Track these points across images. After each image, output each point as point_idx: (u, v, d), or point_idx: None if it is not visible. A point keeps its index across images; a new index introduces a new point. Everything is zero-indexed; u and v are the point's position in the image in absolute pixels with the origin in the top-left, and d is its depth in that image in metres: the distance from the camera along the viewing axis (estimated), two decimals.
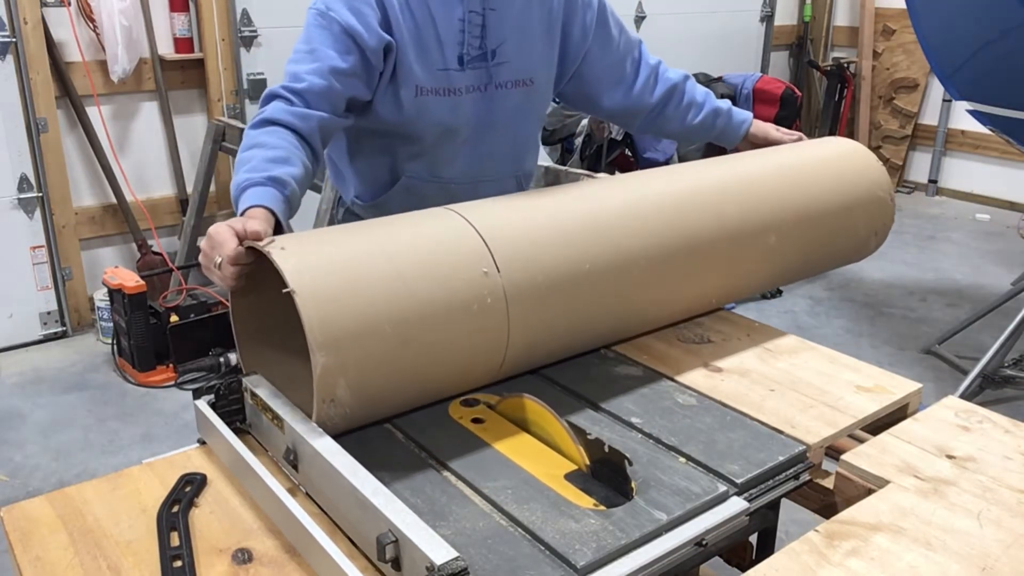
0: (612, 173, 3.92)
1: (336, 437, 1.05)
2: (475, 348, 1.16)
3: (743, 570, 1.14)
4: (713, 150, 4.22)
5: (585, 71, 1.65)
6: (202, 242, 1.16)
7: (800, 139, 1.75)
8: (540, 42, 1.56)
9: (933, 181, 5.76)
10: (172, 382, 3.21)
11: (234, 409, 1.20)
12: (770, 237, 1.47)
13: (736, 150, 1.79)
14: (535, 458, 1.11)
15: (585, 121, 3.90)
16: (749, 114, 1.77)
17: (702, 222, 1.38)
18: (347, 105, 1.43)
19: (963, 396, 2.90)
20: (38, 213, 3.49)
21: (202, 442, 1.20)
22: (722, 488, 1.04)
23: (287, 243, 1.07)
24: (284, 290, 1.00)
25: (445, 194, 1.50)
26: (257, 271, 1.13)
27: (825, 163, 1.62)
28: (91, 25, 3.44)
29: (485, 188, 1.57)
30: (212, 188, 3.71)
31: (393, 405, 1.15)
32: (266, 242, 1.07)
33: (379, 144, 1.57)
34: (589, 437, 1.12)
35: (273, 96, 1.39)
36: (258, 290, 1.19)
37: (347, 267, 1.06)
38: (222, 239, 1.11)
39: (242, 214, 1.20)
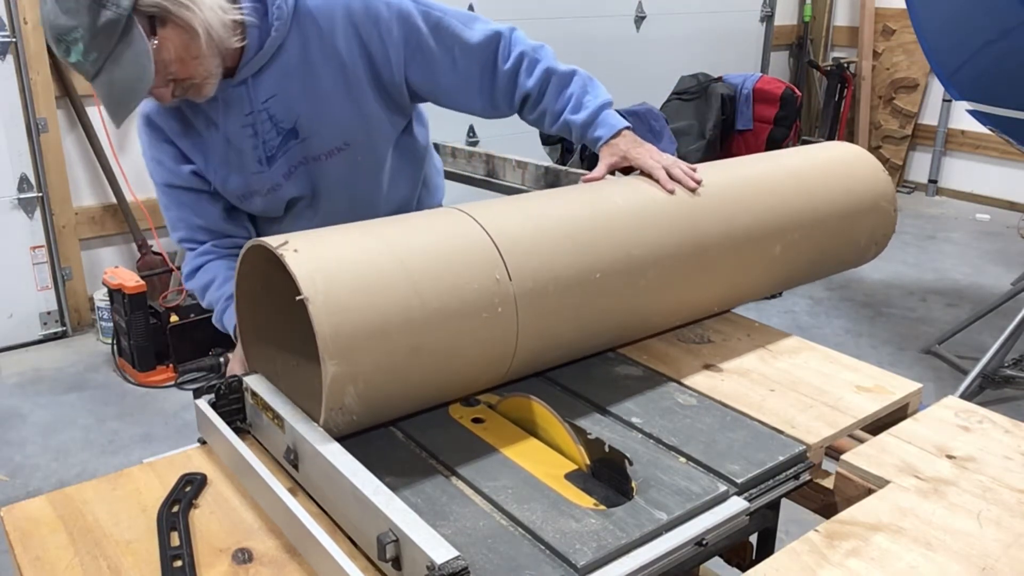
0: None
1: (337, 437, 1.05)
2: (483, 355, 1.15)
3: (743, 570, 1.14)
4: (713, 149, 4.22)
5: (429, 95, 1.56)
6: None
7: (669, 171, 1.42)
8: (341, 104, 1.47)
9: (933, 181, 5.76)
10: (172, 382, 3.21)
11: (234, 408, 1.20)
12: (776, 247, 1.47)
13: (738, 150, 1.75)
14: (535, 458, 1.11)
15: None
16: (608, 131, 1.51)
17: (712, 232, 1.37)
18: (225, 215, 1.57)
19: (963, 396, 2.90)
20: (38, 213, 3.49)
21: (202, 442, 1.20)
22: (722, 488, 1.04)
23: (300, 244, 1.05)
24: (298, 297, 0.99)
25: None
26: (262, 267, 1.13)
27: (833, 173, 1.60)
28: None
29: None
30: None
31: (399, 410, 1.15)
32: (279, 243, 1.05)
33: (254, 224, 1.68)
34: (589, 437, 1.12)
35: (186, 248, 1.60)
36: (263, 286, 1.19)
37: (360, 273, 1.05)
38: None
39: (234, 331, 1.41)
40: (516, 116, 1.64)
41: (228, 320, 1.50)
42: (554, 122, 1.56)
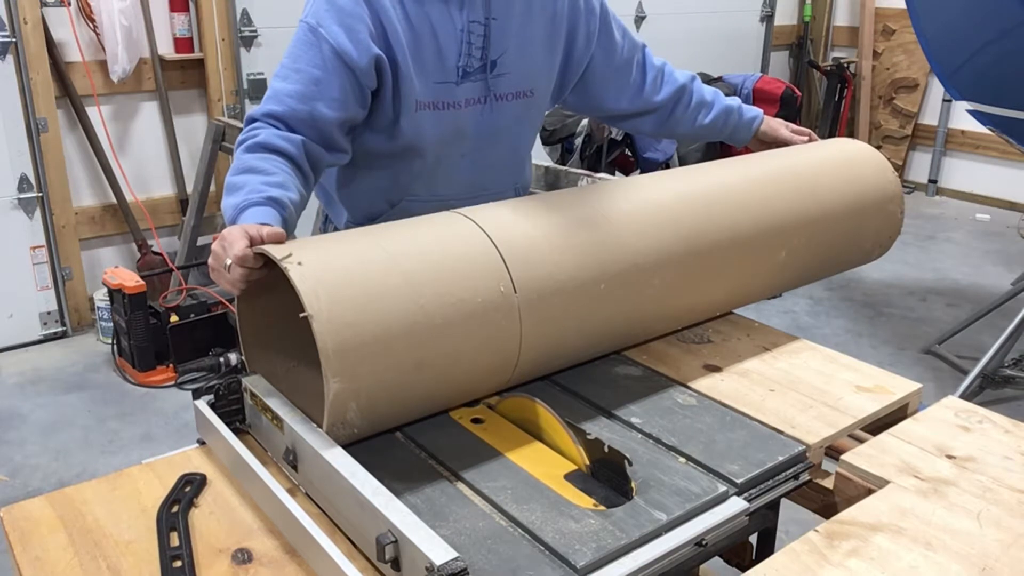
0: (612, 173, 3.92)
1: None
2: (485, 366, 1.15)
3: (743, 570, 1.14)
4: (713, 149, 4.22)
5: (589, 78, 1.62)
6: (214, 244, 1.13)
7: (811, 139, 1.72)
8: (541, 51, 1.52)
9: (933, 181, 5.76)
10: (172, 382, 3.21)
11: (234, 409, 1.20)
12: (781, 253, 1.46)
13: (746, 148, 1.77)
14: (535, 458, 1.11)
15: (585, 121, 3.89)
16: (758, 111, 1.74)
17: (718, 239, 1.37)
18: (335, 132, 1.37)
19: (963, 396, 2.90)
20: (38, 213, 3.49)
21: (202, 442, 1.20)
22: (722, 488, 1.04)
23: (304, 256, 1.03)
24: (301, 314, 0.98)
25: (444, 210, 1.48)
26: (265, 273, 1.13)
27: (840, 176, 1.57)
28: (91, 25, 3.44)
29: (486, 201, 1.53)
30: (212, 188, 3.71)
31: (400, 420, 1.15)
32: (283, 255, 1.03)
33: (375, 168, 1.52)
34: (589, 437, 1.12)
35: (253, 119, 1.35)
36: (266, 291, 1.18)
37: (364, 288, 1.03)
38: (232, 238, 1.09)
39: None
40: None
41: (245, 217, 1.20)
42: (708, 113, 1.70)
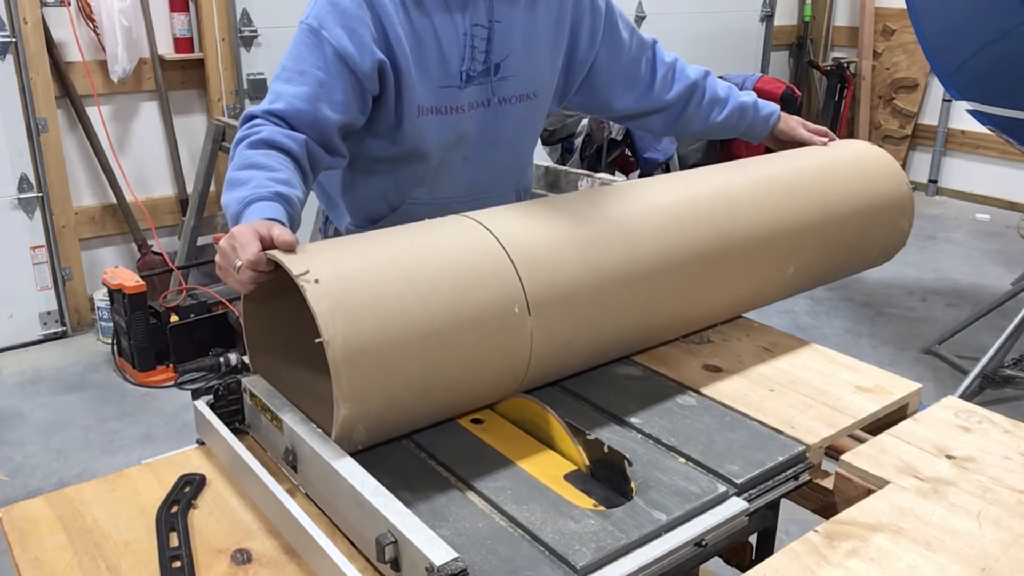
0: (612, 173, 3.92)
1: None
2: (492, 382, 1.15)
3: (743, 570, 1.14)
4: (713, 149, 4.22)
5: (595, 78, 1.60)
6: (222, 241, 1.09)
7: (830, 140, 1.67)
8: (545, 54, 1.50)
9: (933, 181, 5.76)
10: (172, 382, 3.21)
11: (233, 409, 1.20)
12: (789, 267, 1.46)
13: (764, 147, 1.72)
14: (534, 458, 1.11)
15: (585, 121, 3.90)
16: (775, 107, 1.70)
17: (731, 253, 1.36)
18: (335, 135, 1.35)
19: (963, 396, 2.90)
20: (38, 213, 3.49)
21: (201, 442, 1.20)
22: (722, 488, 1.04)
23: (321, 272, 1.00)
24: (317, 340, 0.96)
25: (446, 212, 1.45)
26: (274, 276, 1.11)
27: (856, 188, 1.54)
28: (91, 25, 3.44)
29: (487, 203, 1.49)
30: (212, 188, 3.71)
31: (404, 432, 1.15)
32: (299, 271, 1.00)
33: (376, 172, 1.50)
34: (588, 437, 1.12)
35: (253, 116, 1.32)
36: (272, 290, 1.17)
37: (381, 312, 1.00)
38: (245, 240, 1.05)
39: None
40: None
41: (251, 211, 1.16)
42: (722, 110, 1.67)
